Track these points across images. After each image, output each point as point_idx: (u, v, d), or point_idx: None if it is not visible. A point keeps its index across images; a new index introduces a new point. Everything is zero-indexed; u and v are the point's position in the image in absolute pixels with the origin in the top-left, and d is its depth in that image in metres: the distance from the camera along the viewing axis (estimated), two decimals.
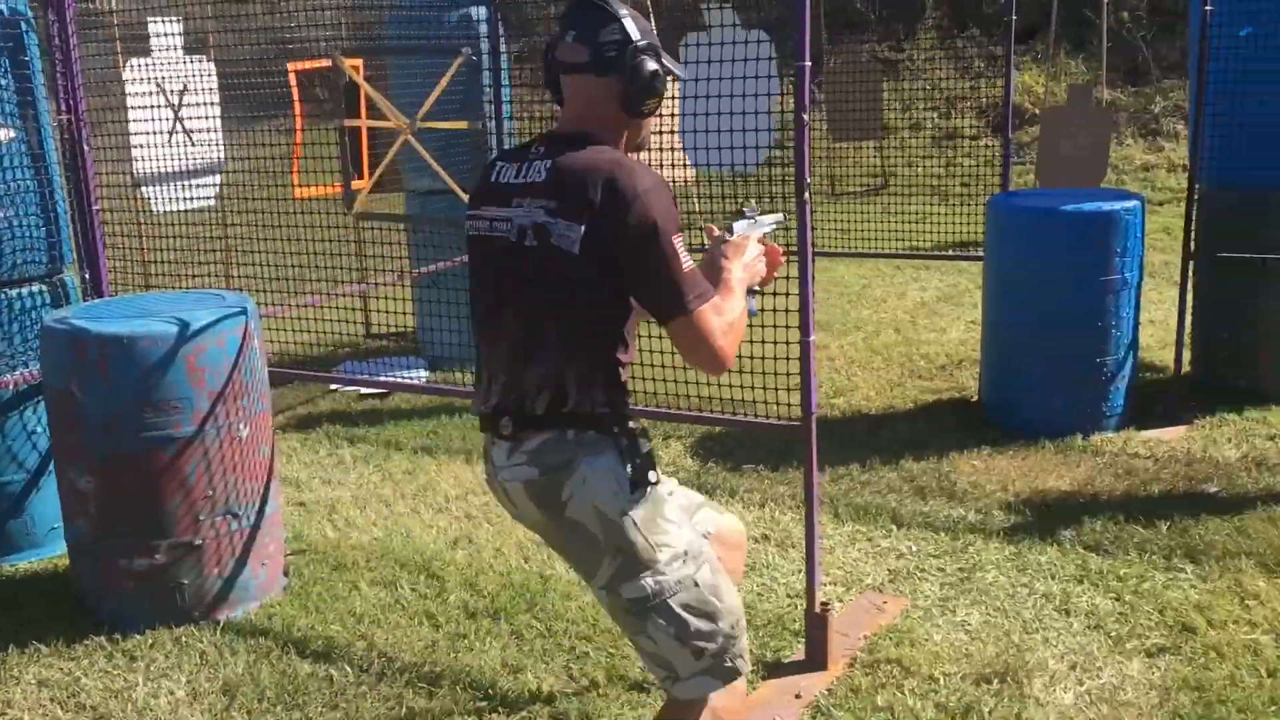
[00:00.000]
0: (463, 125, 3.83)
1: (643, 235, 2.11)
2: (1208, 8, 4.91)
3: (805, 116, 3.11)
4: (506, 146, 6.22)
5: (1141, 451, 4.80)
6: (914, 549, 4.04)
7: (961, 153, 11.29)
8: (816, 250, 7.21)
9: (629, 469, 2.22)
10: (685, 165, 6.78)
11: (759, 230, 2.48)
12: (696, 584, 2.25)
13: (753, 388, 3.59)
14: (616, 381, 2.25)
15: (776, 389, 3.60)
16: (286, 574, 3.97)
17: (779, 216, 2.58)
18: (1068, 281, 4.87)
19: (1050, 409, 4.99)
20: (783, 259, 2.51)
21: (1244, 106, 5.03)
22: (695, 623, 2.24)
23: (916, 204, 8.55)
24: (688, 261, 2.17)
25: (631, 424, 2.27)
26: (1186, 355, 5.52)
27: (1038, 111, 10.48)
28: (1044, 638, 3.40)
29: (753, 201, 2.64)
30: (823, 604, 3.34)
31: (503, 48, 6.15)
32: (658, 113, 2.30)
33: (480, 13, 6.18)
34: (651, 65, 2.22)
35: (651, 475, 2.25)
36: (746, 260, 2.36)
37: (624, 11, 2.24)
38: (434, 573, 3.98)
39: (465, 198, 4.09)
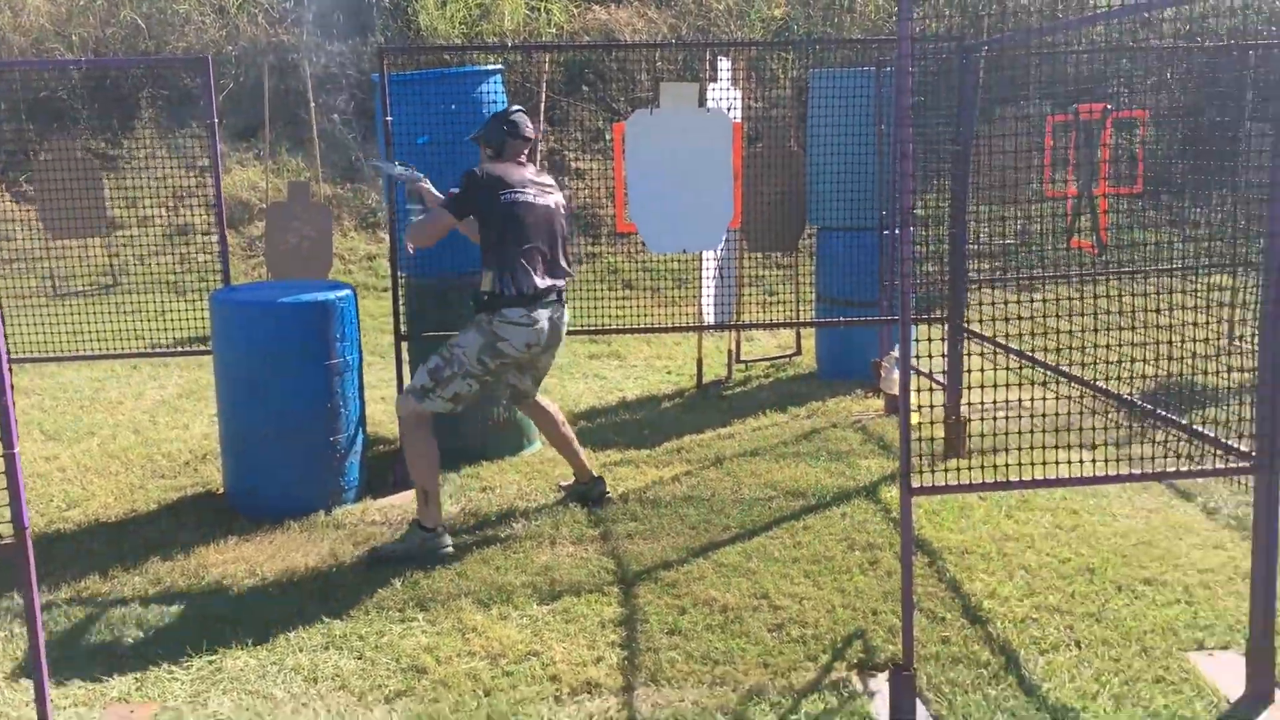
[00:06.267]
0: None
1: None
2: (388, 118, 5.54)
3: None
4: None
5: (378, 518, 5.22)
6: (162, 651, 3.97)
7: (196, 247, 11.24)
8: (38, 356, 6.75)
9: None
10: None
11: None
12: None
13: None
14: None
15: None
16: None
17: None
18: (293, 368, 5.14)
19: (292, 490, 5.21)
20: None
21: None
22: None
23: (152, 300, 8.31)
24: None
25: None
26: None
27: (263, 206, 10.82)
28: (293, 709, 3.56)
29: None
30: None
31: None
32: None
33: None
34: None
35: None
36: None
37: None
38: None
39: None
